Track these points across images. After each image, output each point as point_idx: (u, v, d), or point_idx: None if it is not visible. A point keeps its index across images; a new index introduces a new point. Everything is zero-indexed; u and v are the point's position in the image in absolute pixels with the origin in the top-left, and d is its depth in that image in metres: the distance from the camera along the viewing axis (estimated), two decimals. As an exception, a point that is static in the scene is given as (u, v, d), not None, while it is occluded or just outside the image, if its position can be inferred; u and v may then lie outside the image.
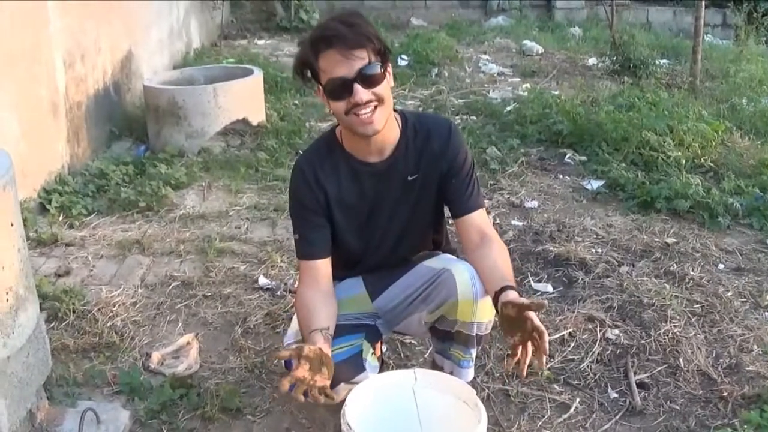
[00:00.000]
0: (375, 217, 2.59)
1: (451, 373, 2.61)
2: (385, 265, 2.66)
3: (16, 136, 4.47)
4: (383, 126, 2.39)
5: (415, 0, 12.89)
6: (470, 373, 2.68)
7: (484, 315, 2.49)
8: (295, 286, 3.74)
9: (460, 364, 2.62)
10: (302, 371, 2.15)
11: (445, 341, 2.61)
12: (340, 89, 2.30)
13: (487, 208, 2.66)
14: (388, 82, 2.38)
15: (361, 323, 2.63)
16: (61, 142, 5.16)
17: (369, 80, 2.30)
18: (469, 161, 2.57)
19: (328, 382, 2.20)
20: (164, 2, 8.19)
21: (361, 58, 2.27)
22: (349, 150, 2.51)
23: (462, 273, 2.45)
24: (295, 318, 2.64)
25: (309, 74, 2.38)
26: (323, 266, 2.52)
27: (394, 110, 2.51)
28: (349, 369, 2.46)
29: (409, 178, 2.54)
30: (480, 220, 2.53)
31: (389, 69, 2.40)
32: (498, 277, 2.35)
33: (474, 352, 2.63)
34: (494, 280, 2.36)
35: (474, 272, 2.45)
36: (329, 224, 2.55)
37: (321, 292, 2.47)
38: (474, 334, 2.52)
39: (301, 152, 2.81)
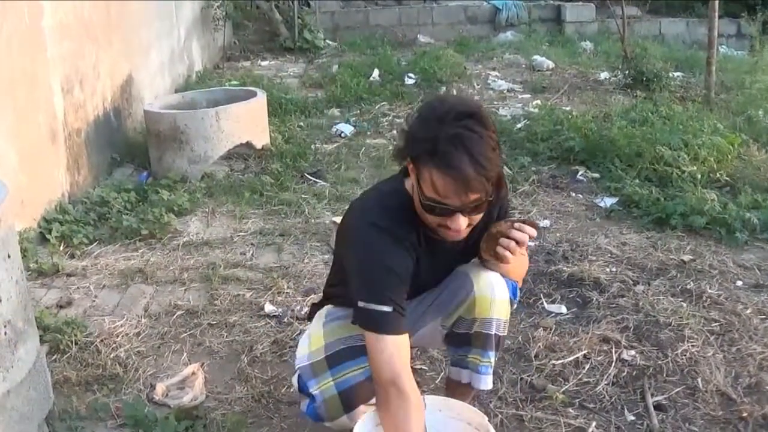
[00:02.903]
0: (428, 283, 2.53)
1: (469, 383, 2.61)
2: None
3: (14, 165, 4.44)
4: None
5: (422, 16, 12.90)
6: (489, 380, 2.63)
7: (502, 312, 2.50)
8: (303, 312, 3.70)
9: (478, 369, 2.58)
10: None
11: (463, 346, 2.58)
12: (441, 211, 2.19)
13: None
14: None
15: None
16: (60, 170, 5.12)
17: (474, 211, 2.21)
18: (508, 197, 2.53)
19: None
20: (165, 24, 8.20)
21: (477, 196, 2.15)
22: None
23: (477, 270, 2.46)
24: (304, 338, 2.60)
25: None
26: (405, 345, 2.32)
27: None
28: (368, 390, 2.40)
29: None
30: None
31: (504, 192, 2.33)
32: None
33: (493, 356, 2.59)
34: None
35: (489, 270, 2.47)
36: None
37: (410, 407, 2.25)
38: (493, 333, 2.51)
39: (362, 209, 2.48)
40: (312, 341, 2.56)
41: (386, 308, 2.24)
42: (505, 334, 2.60)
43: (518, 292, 2.70)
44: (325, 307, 2.67)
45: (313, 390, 2.46)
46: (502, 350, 2.95)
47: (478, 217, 2.25)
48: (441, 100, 2.23)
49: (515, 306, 2.74)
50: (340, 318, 2.55)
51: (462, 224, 2.19)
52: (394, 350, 2.24)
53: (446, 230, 2.24)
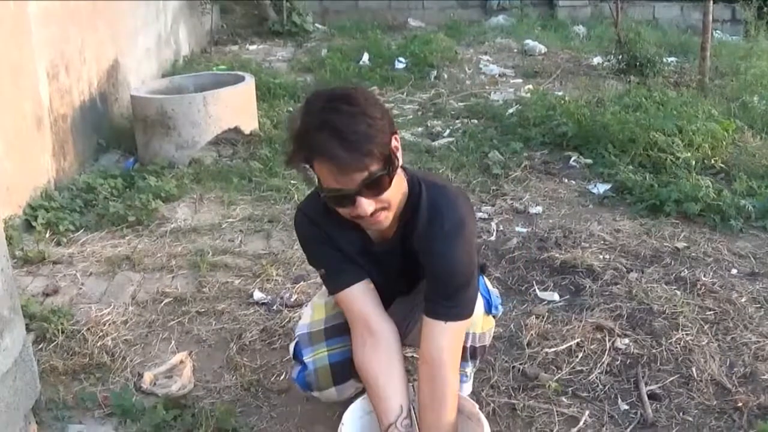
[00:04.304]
0: (391, 288, 2.50)
1: None
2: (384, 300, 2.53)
3: (-1, 151, 4.39)
4: (390, 221, 2.23)
5: (413, 0, 12.84)
6: (466, 386, 2.69)
7: (477, 326, 2.49)
8: (292, 299, 3.69)
9: None
10: None
11: None
12: (341, 200, 2.11)
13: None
14: (398, 177, 2.16)
15: None
16: (46, 157, 5.06)
17: (374, 190, 2.09)
18: (455, 269, 2.28)
19: None
20: (151, 8, 8.13)
21: (362, 174, 2.04)
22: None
23: None
24: (308, 308, 2.65)
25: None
26: (366, 290, 2.36)
27: (404, 170, 2.30)
28: None
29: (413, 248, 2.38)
30: (441, 336, 2.29)
31: (398, 165, 2.15)
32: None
33: (469, 367, 2.63)
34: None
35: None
36: None
37: (381, 345, 2.31)
38: (468, 345, 2.50)
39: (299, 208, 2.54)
40: (314, 311, 2.59)
41: (322, 270, 2.42)
42: (485, 344, 2.61)
43: (499, 307, 2.72)
44: None
45: (307, 358, 2.48)
46: (483, 359, 2.91)
47: (388, 198, 2.13)
48: (314, 94, 2.15)
49: (498, 316, 2.77)
50: None
51: (366, 207, 2.08)
52: (353, 299, 2.36)
53: (364, 220, 2.17)
